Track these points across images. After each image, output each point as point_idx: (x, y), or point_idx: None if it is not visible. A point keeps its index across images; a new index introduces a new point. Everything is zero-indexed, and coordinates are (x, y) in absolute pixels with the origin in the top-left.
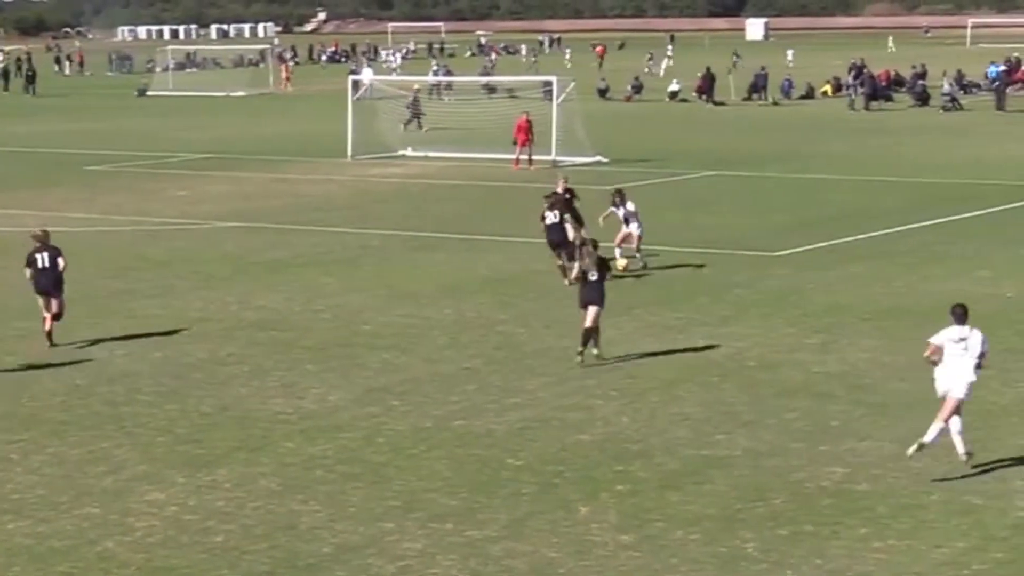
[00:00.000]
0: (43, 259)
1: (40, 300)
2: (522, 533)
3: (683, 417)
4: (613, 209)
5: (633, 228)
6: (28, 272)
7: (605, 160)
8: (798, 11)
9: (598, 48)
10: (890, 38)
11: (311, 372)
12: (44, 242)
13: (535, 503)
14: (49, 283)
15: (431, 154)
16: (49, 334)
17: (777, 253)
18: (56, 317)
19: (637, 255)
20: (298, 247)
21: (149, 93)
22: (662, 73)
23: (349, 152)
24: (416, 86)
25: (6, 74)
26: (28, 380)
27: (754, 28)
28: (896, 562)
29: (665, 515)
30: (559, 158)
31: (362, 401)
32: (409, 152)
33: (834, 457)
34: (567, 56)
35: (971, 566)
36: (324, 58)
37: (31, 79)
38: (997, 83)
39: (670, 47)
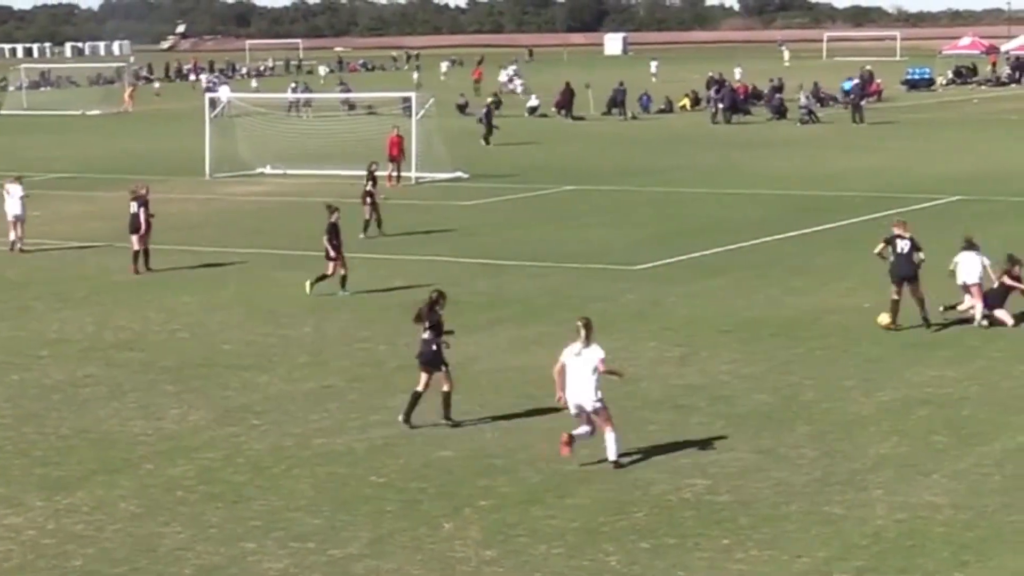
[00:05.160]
0: None
1: None
2: (385, 551)
3: (546, 431)
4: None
5: None
6: None
7: (466, 176)
8: (656, 26)
9: (475, 71)
10: (785, 52)
11: (170, 392)
12: None
13: (398, 520)
14: None
15: (290, 172)
16: None
17: (638, 267)
18: None
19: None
20: (156, 267)
21: (2, 112)
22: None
23: (207, 170)
24: (489, 99)
25: None
26: None
27: (613, 43)
28: (758, 573)
29: (528, 530)
30: (420, 174)
31: (222, 421)
32: (268, 170)
33: (696, 469)
34: (415, 76)
35: (832, 575)
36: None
37: None
38: (853, 96)
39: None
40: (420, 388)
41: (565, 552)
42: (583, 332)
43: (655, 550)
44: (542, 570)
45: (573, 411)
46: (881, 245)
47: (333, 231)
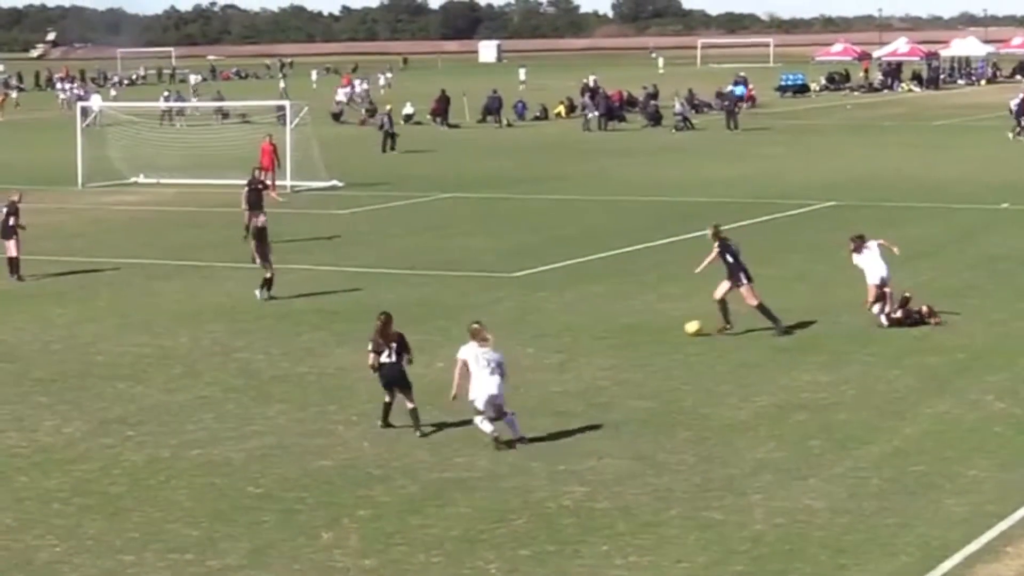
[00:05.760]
0: None
1: None
2: (264, 561)
3: (424, 440)
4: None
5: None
6: None
7: (341, 184)
8: (530, 33)
9: (344, 79)
10: (660, 59)
11: (44, 404)
12: None
13: (277, 530)
14: None
15: (164, 181)
16: None
17: (515, 274)
18: None
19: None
20: (30, 278)
21: None
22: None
23: (80, 180)
24: (388, 106)
25: None
26: None
27: (487, 50)
28: None
29: (407, 539)
30: (295, 183)
31: (98, 432)
32: (142, 179)
33: (574, 476)
34: (282, 86)
35: None
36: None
37: None
38: (727, 102)
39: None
40: (388, 399)
41: (445, 561)
42: (482, 334)
43: (535, 557)
44: None
45: (482, 407)
46: (713, 255)
47: (260, 236)
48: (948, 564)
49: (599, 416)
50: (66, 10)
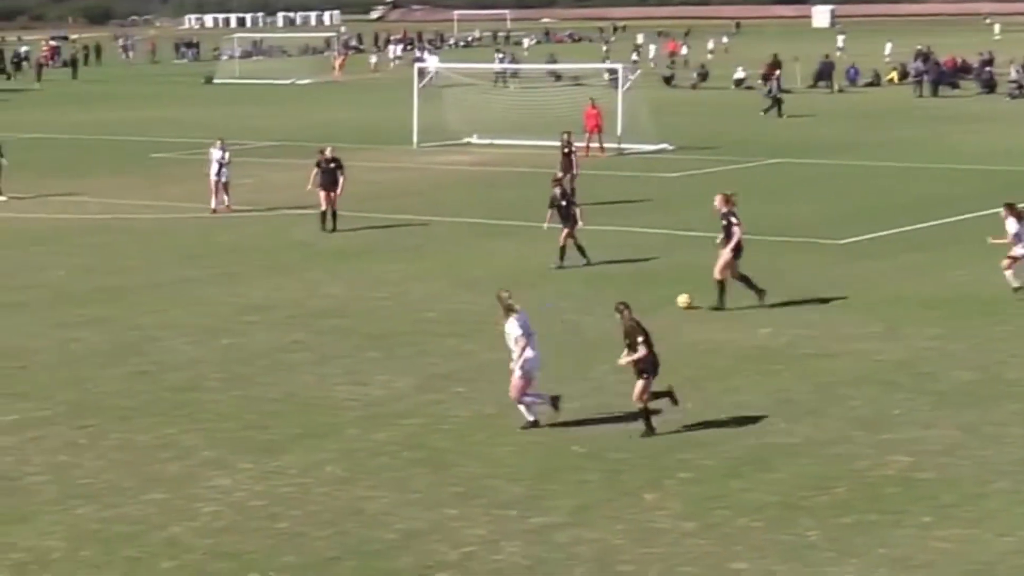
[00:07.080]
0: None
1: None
2: (587, 520)
3: (745, 406)
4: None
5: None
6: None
7: (671, 148)
8: None
9: (670, 44)
10: (996, 26)
11: (375, 359)
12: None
13: (600, 491)
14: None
15: (497, 141)
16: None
17: (841, 241)
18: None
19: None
20: (363, 235)
21: (216, 81)
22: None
23: (415, 140)
24: (778, 72)
25: (75, 62)
26: (94, 367)
27: (820, 15)
28: (961, 551)
29: (728, 503)
30: (625, 146)
31: (426, 388)
32: (475, 139)
33: (897, 445)
34: (604, 48)
35: None
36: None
37: (74, 64)
38: None
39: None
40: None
41: (765, 526)
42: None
43: (856, 526)
44: (742, 543)
45: (533, 379)
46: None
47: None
48: None
49: (924, 386)
50: None
